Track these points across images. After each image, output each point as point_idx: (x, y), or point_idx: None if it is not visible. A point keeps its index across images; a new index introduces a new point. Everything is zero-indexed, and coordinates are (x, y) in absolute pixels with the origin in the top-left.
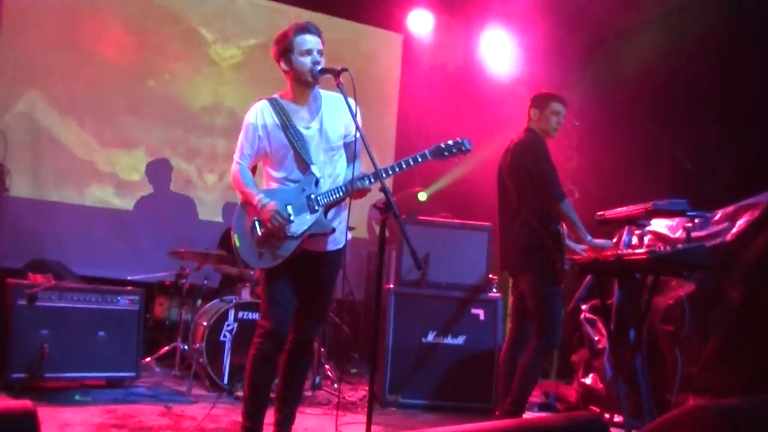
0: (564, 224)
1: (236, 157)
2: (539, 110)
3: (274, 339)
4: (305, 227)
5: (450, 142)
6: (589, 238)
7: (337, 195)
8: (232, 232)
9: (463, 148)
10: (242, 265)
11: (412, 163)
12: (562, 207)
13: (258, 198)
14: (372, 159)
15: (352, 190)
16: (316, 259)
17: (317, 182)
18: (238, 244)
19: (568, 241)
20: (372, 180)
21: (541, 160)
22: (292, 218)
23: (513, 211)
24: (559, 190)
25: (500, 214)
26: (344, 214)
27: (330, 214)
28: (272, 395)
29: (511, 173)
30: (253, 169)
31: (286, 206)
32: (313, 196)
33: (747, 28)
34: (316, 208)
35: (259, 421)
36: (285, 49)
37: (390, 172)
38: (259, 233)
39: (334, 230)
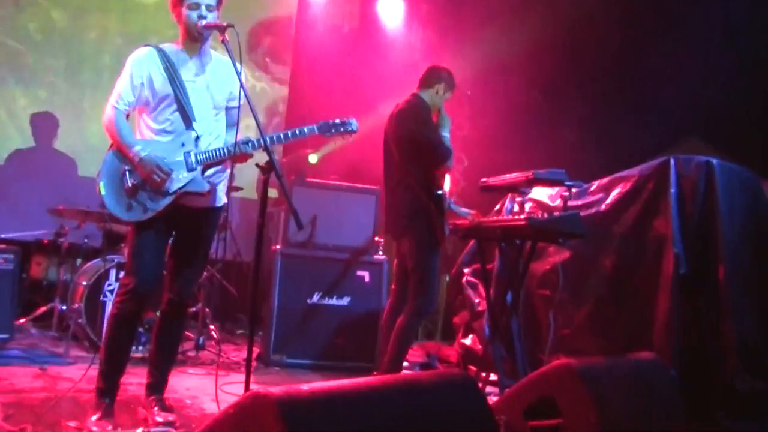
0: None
1: (113, 101)
2: (429, 84)
3: (136, 298)
4: (180, 184)
5: (337, 120)
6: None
7: (218, 155)
8: (97, 179)
9: (349, 128)
10: (107, 217)
11: (298, 134)
12: (449, 166)
13: (135, 150)
14: (258, 124)
15: (235, 154)
16: (191, 216)
17: (197, 139)
18: (103, 192)
19: (452, 206)
20: (255, 145)
21: (423, 123)
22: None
23: (397, 176)
24: (443, 151)
25: (385, 179)
26: (227, 173)
27: (208, 173)
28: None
29: (395, 139)
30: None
31: (162, 159)
32: (192, 153)
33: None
34: (195, 166)
35: (115, 383)
36: (177, 1)
37: (275, 141)
38: (129, 184)
39: (210, 191)
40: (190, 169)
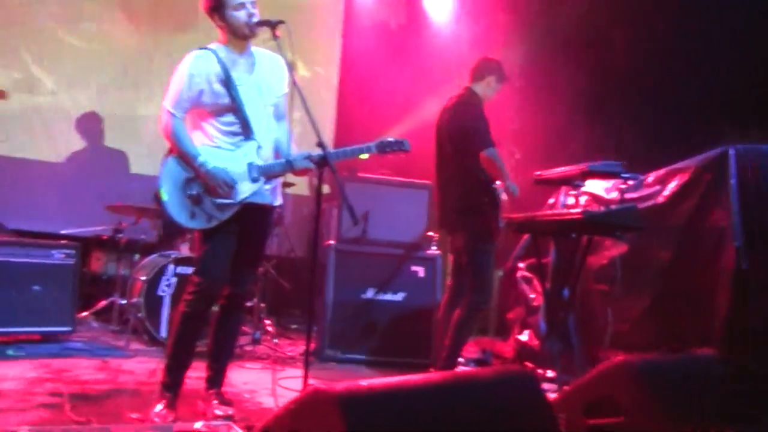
0: (489, 171)
1: (169, 106)
2: (480, 77)
3: (207, 298)
4: (244, 196)
5: (392, 139)
6: (509, 182)
7: (280, 170)
8: (158, 185)
9: (403, 148)
10: (168, 223)
11: (357, 152)
12: (487, 153)
13: (200, 162)
14: (314, 125)
15: (298, 168)
16: (253, 214)
17: (259, 149)
18: (165, 198)
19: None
20: (316, 158)
21: (473, 115)
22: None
23: (450, 171)
24: (485, 138)
25: (437, 173)
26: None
27: (268, 185)
28: (200, 350)
29: (448, 132)
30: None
31: (228, 172)
32: (255, 165)
33: None
34: (258, 177)
35: (179, 378)
36: (217, 4)
37: (334, 158)
38: (193, 192)
39: (273, 206)
40: (253, 181)
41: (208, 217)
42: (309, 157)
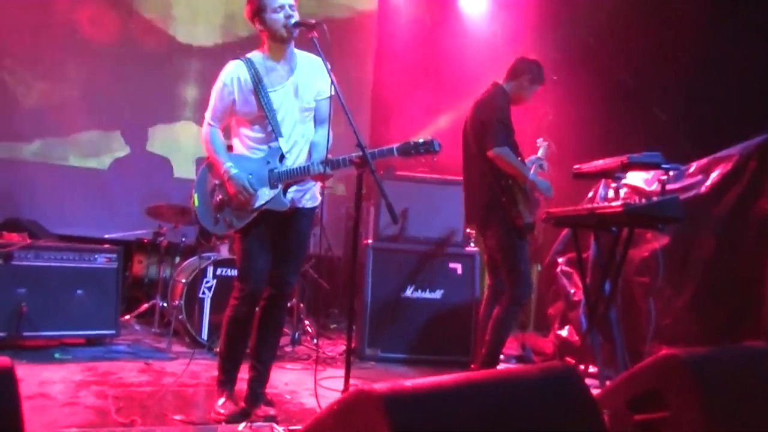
0: (505, 170)
1: (208, 117)
2: (514, 76)
3: (250, 302)
4: (262, 202)
5: (420, 140)
6: (531, 174)
7: (298, 174)
8: (193, 191)
9: (432, 149)
10: (197, 225)
11: (377, 155)
12: (494, 152)
13: (225, 168)
14: (353, 127)
15: (315, 173)
16: (288, 215)
17: (282, 156)
18: (197, 204)
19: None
20: (334, 167)
21: (491, 111)
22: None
23: (474, 166)
24: (495, 137)
25: (464, 168)
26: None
27: (291, 190)
28: (247, 350)
29: (472, 128)
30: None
31: (249, 177)
32: (275, 171)
33: None
34: (276, 184)
35: (234, 376)
36: (258, 8)
37: (345, 164)
38: (217, 199)
39: (292, 209)
40: (272, 188)
41: (228, 225)
42: (326, 163)
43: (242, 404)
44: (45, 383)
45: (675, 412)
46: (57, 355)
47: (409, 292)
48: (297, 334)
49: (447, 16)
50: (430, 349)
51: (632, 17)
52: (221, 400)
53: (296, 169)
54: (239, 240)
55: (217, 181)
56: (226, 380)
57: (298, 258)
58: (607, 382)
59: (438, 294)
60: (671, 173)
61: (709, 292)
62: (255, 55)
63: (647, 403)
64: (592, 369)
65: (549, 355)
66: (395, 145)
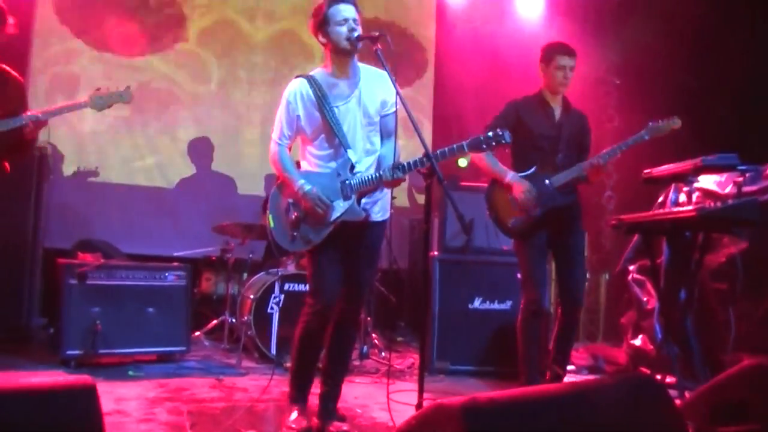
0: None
1: (275, 136)
2: (545, 66)
3: (321, 316)
4: (338, 214)
5: (489, 133)
6: (510, 175)
7: (371, 184)
8: (267, 212)
9: (503, 140)
10: (275, 247)
11: (447, 154)
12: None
13: (299, 184)
14: (419, 136)
15: (388, 179)
16: (358, 229)
17: (353, 167)
18: (272, 225)
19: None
20: (406, 169)
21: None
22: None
23: None
24: (482, 136)
25: None
26: (386, 190)
27: (364, 200)
28: (319, 365)
29: None
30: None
31: (324, 192)
32: (347, 182)
33: None
34: (350, 194)
35: (306, 391)
36: (321, 21)
37: (415, 165)
38: (293, 216)
39: (366, 218)
40: (346, 198)
41: (306, 241)
42: (399, 167)
43: (315, 420)
44: (121, 400)
45: (763, 425)
46: (131, 372)
47: (477, 304)
48: (365, 348)
49: (504, 23)
50: (500, 360)
51: (693, 18)
52: (293, 416)
53: (369, 177)
54: (310, 255)
55: (290, 200)
56: (298, 395)
57: (369, 272)
58: (686, 393)
59: (507, 305)
60: (747, 174)
61: None
62: (317, 72)
63: (731, 415)
64: (669, 380)
65: (622, 366)
66: (465, 141)
